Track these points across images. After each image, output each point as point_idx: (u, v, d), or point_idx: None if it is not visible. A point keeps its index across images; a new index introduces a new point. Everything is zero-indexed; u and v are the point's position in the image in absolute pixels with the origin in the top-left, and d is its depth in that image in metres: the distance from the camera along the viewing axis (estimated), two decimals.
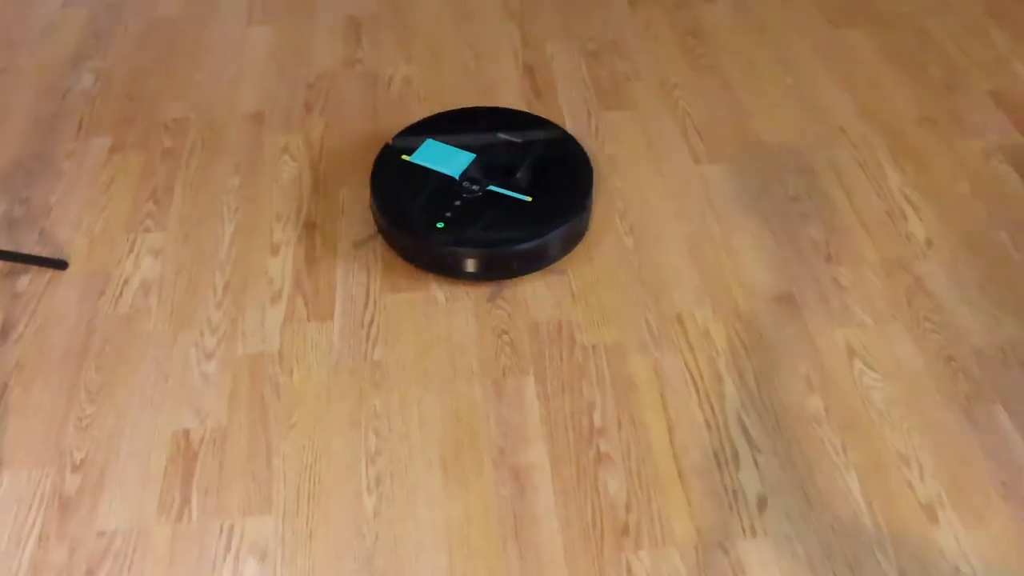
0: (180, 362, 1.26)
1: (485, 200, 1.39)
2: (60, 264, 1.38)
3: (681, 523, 1.08)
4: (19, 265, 1.38)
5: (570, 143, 1.48)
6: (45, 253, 1.39)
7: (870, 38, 1.79)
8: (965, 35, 1.79)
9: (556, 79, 1.71)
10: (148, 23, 1.87)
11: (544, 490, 1.11)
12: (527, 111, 1.57)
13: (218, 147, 1.58)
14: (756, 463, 1.13)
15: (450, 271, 1.35)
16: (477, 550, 1.06)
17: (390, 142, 1.48)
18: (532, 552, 1.06)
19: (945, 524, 1.07)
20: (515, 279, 1.35)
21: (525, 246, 1.33)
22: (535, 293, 1.34)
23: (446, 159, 1.44)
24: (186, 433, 1.18)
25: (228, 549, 1.07)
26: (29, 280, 1.37)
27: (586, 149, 1.48)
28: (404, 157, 1.46)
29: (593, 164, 1.49)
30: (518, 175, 1.40)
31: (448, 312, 1.32)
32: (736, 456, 1.14)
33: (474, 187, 1.40)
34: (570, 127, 1.61)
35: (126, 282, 1.37)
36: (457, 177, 1.42)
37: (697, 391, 1.21)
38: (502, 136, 1.46)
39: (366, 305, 1.33)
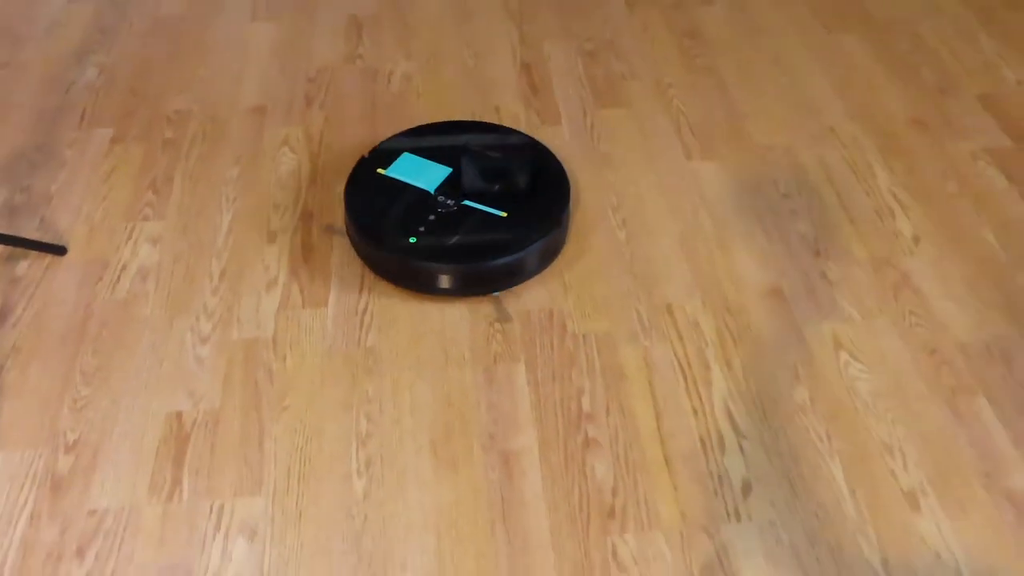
0: (175, 346, 1.27)
1: (460, 215, 1.37)
2: (59, 250, 1.40)
3: (667, 507, 1.09)
4: (18, 250, 1.40)
5: (549, 158, 1.47)
6: (45, 239, 1.41)
7: (863, 42, 1.82)
8: (956, 40, 1.82)
9: (553, 77, 1.74)
10: (153, 20, 1.90)
11: (532, 474, 1.12)
12: (507, 125, 1.54)
13: (219, 139, 1.61)
14: (742, 450, 1.15)
15: (422, 287, 1.33)
16: (465, 533, 1.07)
17: (365, 155, 1.46)
18: (520, 535, 1.07)
19: (927, 512, 1.09)
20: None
21: (498, 262, 1.30)
22: (526, 282, 1.36)
23: (422, 173, 1.43)
24: (179, 415, 1.19)
25: (218, 528, 1.08)
26: (28, 265, 1.38)
27: (582, 147, 1.50)
28: (379, 171, 1.44)
29: (585, 161, 1.51)
30: (494, 190, 1.38)
31: (441, 300, 1.34)
32: (722, 443, 1.15)
33: (449, 202, 1.38)
34: (566, 124, 1.63)
35: (124, 268, 1.38)
36: (432, 191, 1.40)
37: (685, 379, 1.22)
38: (480, 150, 1.43)
39: (360, 292, 1.35)
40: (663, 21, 1.88)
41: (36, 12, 1.91)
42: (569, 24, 1.88)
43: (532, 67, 1.77)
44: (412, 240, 1.33)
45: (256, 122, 1.64)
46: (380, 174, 1.43)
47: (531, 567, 1.04)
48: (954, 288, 1.34)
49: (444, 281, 1.31)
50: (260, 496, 1.10)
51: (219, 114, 1.66)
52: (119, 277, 1.37)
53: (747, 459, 1.14)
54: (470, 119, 1.61)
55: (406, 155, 1.46)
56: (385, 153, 1.48)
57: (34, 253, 1.39)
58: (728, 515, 1.08)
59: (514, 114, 1.65)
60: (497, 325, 1.24)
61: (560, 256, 1.39)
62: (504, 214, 1.36)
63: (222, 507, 1.09)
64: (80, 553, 1.05)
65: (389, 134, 1.61)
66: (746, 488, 1.11)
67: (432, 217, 1.36)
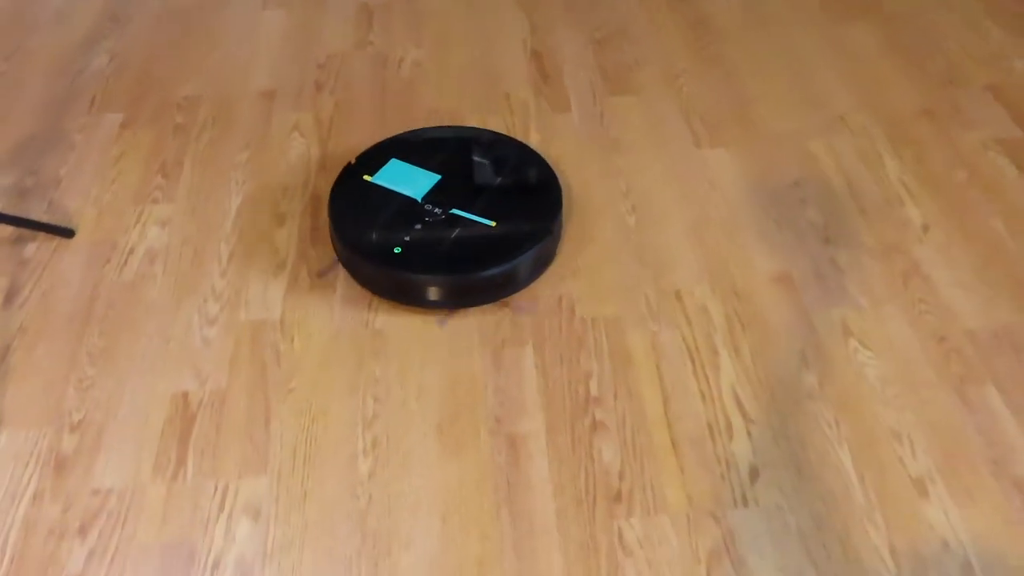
0: (183, 328, 1.27)
1: (447, 224, 1.32)
2: (67, 232, 1.40)
3: (673, 491, 1.08)
4: (27, 232, 1.40)
5: (540, 166, 1.43)
6: (53, 222, 1.42)
7: (871, 32, 1.81)
8: (965, 31, 1.81)
9: (563, 65, 1.74)
10: (163, 7, 1.90)
11: (539, 458, 1.12)
12: (500, 132, 1.50)
13: (229, 124, 1.61)
14: (749, 435, 1.14)
15: (406, 298, 1.29)
16: (470, 515, 1.07)
17: (351, 162, 1.42)
18: (525, 518, 1.06)
19: (935, 499, 1.08)
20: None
21: (484, 274, 1.26)
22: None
23: (409, 180, 1.38)
24: (185, 395, 1.19)
25: (222, 508, 1.08)
26: (36, 247, 1.39)
27: (592, 133, 1.49)
28: (366, 177, 1.39)
29: (595, 147, 1.51)
30: (483, 198, 1.34)
31: None
32: (730, 428, 1.15)
33: (436, 210, 1.33)
34: (576, 111, 1.63)
35: (132, 251, 1.39)
36: (420, 199, 1.35)
37: (693, 364, 1.22)
38: (470, 157, 1.38)
39: None
40: (672, 10, 1.87)
41: None
42: (579, 13, 1.87)
43: (542, 55, 1.76)
44: (397, 250, 1.28)
45: (266, 107, 1.64)
46: (366, 181, 1.39)
47: (536, 550, 1.03)
48: (963, 276, 1.33)
49: (429, 293, 1.27)
50: (265, 476, 1.10)
51: (229, 99, 1.66)
52: (127, 259, 1.37)
53: (755, 444, 1.13)
54: (475, 112, 1.61)
55: (393, 161, 1.41)
56: (372, 159, 1.43)
57: (42, 235, 1.40)
58: (735, 500, 1.07)
59: (524, 101, 1.65)
60: (443, 322, 1.23)
61: (569, 239, 1.39)
62: (493, 223, 1.32)
63: (227, 487, 1.09)
64: (83, 532, 1.05)
65: (399, 120, 1.61)
66: (753, 473, 1.10)
67: (419, 226, 1.32)
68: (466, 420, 1.16)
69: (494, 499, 1.08)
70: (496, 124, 1.60)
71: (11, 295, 1.32)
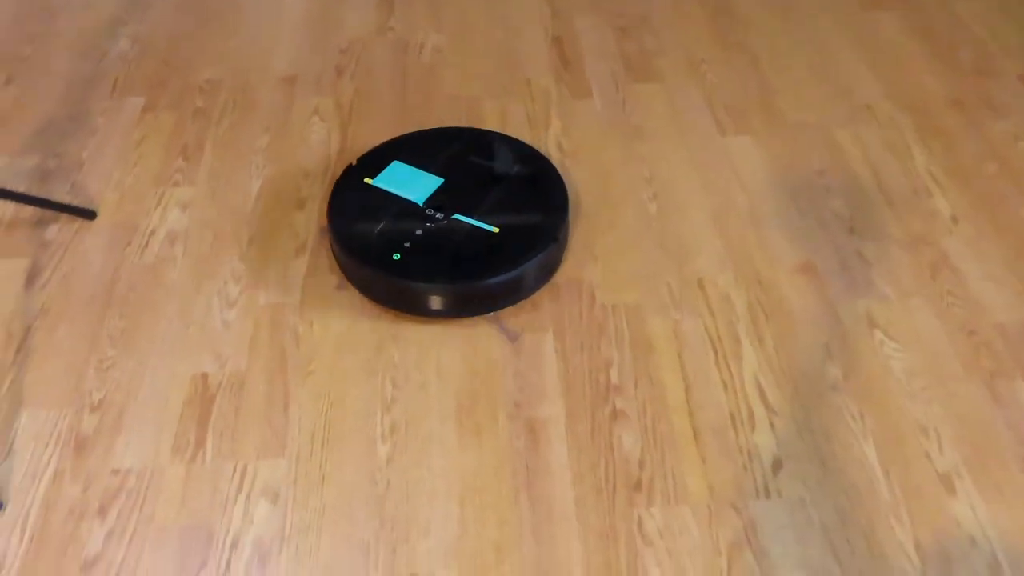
0: (202, 310, 1.27)
1: (449, 229, 1.28)
2: (89, 214, 1.41)
3: (694, 481, 1.07)
4: (49, 214, 1.41)
5: (547, 170, 1.38)
6: (75, 204, 1.42)
7: (900, 20, 1.78)
8: (995, 19, 1.77)
9: (584, 52, 1.72)
10: None
11: (558, 444, 1.11)
12: (507, 134, 1.45)
13: (249, 108, 1.61)
14: (772, 426, 1.12)
15: (405, 306, 1.25)
16: (489, 500, 1.06)
17: (353, 163, 1.38)
18: (544, 504, 1.05)
19: (963, 495, 1.05)
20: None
21: (484, 283, 1.21)
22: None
23: (411, 183, 1.34)
24: (204, 377, 1.19)
25: (240, 490, 1.07)
26: (58, 229, 1.39)
27: (614, 120, 1.48)
28: (367, 180, 1.35)
29: (617, 134, 1.49)
30: (487, 203, 1.29)
31: None
32: (752, 418, 1.13)
33: (438, 215, 1.29)
34: (597, 97, 1.61)
35: (153, 233, 1.39)
36: (421, 203, 1.31)
37: (716, 353, 1.20)
38: (475, 160, 1.36)
39: None
40: None
41: None
42: (601, 0, 1.86)
43: (563, 41, 1.75)
44: (396, 257, 1.24)
45: (287, 92, 1.64)
46: (367, 184, 1.35)
47: (555, 537, 1.02)
48: (993, 269, 1.31)
49: (427, 301, 1.22)
50: (283, 459, 1.10)
51: (250, 83, 1.66)
52: (148, 242, 1.37)
53: (778, 436, 1.11)
54: (496, 98, 1.60)
55: (396, 163, 1.37)
56: (374, 161, 1.39)
57: (64, 217, 1.40)
58: (757, 491, 1.06)
59: (544, 87, 1.63)
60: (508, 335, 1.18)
61: (591, 228, 1.38)
62: (496, 229, 1.27)
63: (245, 469, 1.09)
64: (102, 512, 1.05)
65: (419, 106, 1.60)
66: (776, 465, 1.08)
67: (419, 232, 1.27)
68: (485, 405, 1.15)
69: (512, 485, 1.07)
70: (516, 110, 1.59)
71: (33, 276, 1.32)
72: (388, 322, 1.25)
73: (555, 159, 1.49)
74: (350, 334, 1.23)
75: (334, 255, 1.32)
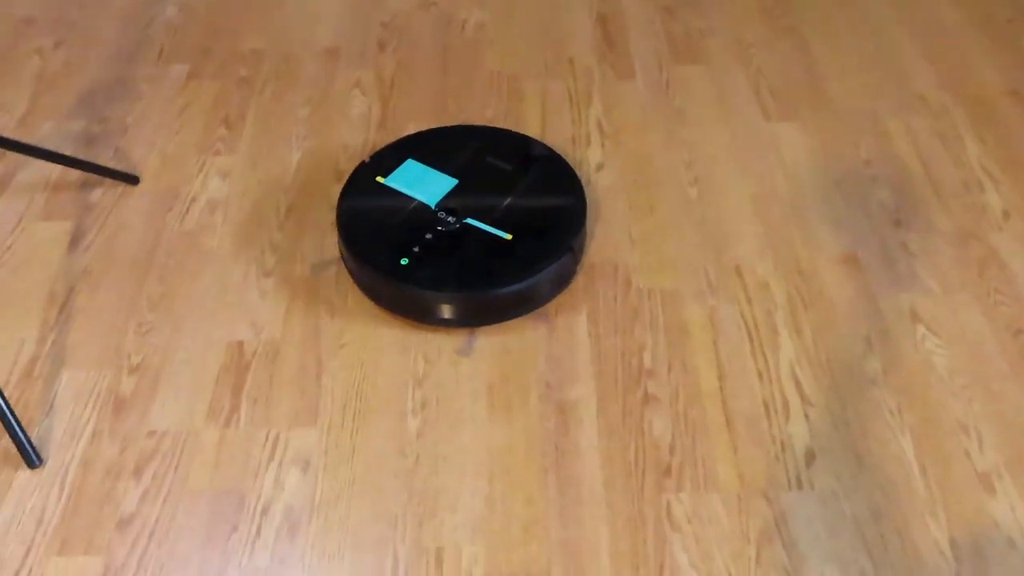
0: (239, 278, 1.29)
1: (460, 234, 1.23)
2: (132, 179, 1.43)
3: (725, 469, 1.06)
4: (93, 178, 1.43)
5: (568, 176, 1.32)
6: (119, 168, 1.44)
7: (958, 7, 1.72)
8: None
9: (629, 31, 1.69)
10: None
11: (588, 426, 1.10)
12: (528, 135, 1.40)
13: (292, 79, 1.61)
14: (807, 417, 1.11)
15: (410, 313, 1.21)
16: (517, 479, 1.06)
17: (366, 160, 1.33)
18: (572, 485, 1.05)
19: (1002, 496, 1.03)
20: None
21: (492, 293, 1.17)
22: (592, 234, 1.33)
23: (424, 184, 1.29)
24: (240, 345, 1.20)
25: (272, 457, 1.09)
26: (102, 193, 1.41)
27: (656, 102, 1.45)
28: (379, 179, 1.31)
29: (659, 117, 1.46)
30: (502, 208, 1.24)
31: None
32: (787, 409, 1.11)
33: (450, 219, 1.24)
34: (640, 78, 1.59)
35: (193, 200, 1.40)
36: (433, 206, 1.26)
37: (751, 342, 1.18)
38: (492, 162, 1.31)
39: None
40: None
41: None
42: None
43: (608, 20, 1.72)
44: (404, 262, 1.19)
45: (329, 64, 1.64)
46: (379, 183, 1.30)
47: (582, 518, 1.02)
48: None
49: (433, 310, 1.18)
50: (315, 429, 1.11)
51: (293, 55, 1.66)
52: (188, 208, 1.39)
53: (812, 427, 1.10)
54: (537, 77, 1.58)
55: (410, 162, 1.32)
56: (388, 158, 1.35)
57: (108, 181, 1.42)
58: (789, 482, 1.04)
59: (587, 66, 1.61)
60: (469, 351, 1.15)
61: (629, 210, 1.36)
62: (509, 236, 1.22)
63: (277, 437, 1.10)
64: (138, 472, 1.07)
65: (459, 83, 1.59)
66: (809, 456, 1.07)
67: (429, 236, 1.23)
68: (516, 383, 1.15)
69: (541, 464, 1.07)
70: (557, 89, 1.57)
71: (77, 238, 1.35)
72: None
73: (594, 140, 1.48)
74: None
75: (341, 258, 1.29)
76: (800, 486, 1.04)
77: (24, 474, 1.07)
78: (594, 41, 1.68)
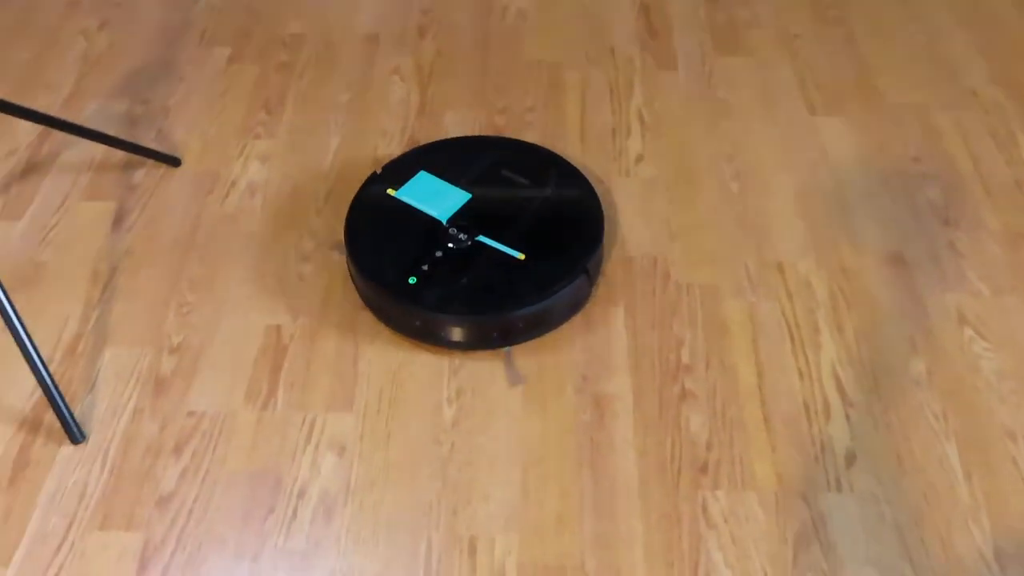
0: (278, 262, 1.29)
1: (471, 253, 1.18)
2: (174, 161, 1.44)
3: (763, 468, 1.04)
4: (135, 159, 1.44)
5: (586, 193, 1.27)
6: (161, 150, 1.45)
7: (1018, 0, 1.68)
8: None
9: (672, 21, 1.67)
10: None
11: (624, 420, 1.10)
12: (547, 148, 1.35)
13: (331, 64, 1.61)
14: (848, 418, 1.09)
15: (417, 334, 1.17)
16: (551, 471, 1.06)
17: (378, 171, 1.29)
18: (607, 479, 1.05)
19: None
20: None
21: (501, 317, 1.13)
22: (631, 227, 1.32)
23: (437, 197, 1.24)
24: (278, 328, 1.21)
25: (309, 440, 1.10)
26: (144, 174, 1.43)
27: (698, 94, 1.43)
28: (390, 191, 1.26)
29: (700, 109, 1.44)
30: (516, 225, 1.19)
31: None
32: (827, 409, 1.10)
33: (461, 235, 1.19)
34: (682, 70, 1.57)
35: (234, 183, 1.41)
36: (444, 221, 1.22)
37: (792, 340, 1.17)
38: (507, 175, 1.26)
39: None
40: None
41: None
42: None
43: (651, 9, 1.69)
44: (412, 280, 1.15)
45: (368, 50, 1.64)
46: (390, 195, 1.26)
47: (616, 512, 1.02)
48: None
49: (440, 331, 1.14)
50: (351, 414, 1.12)
51: (333, 40, 1.66)
52: (228, 191, 1.40)
53: (853, 429, 1.08)
54: (578, 66, 1.56)
55: (422, 174, 1.27)
56: (400, 170, 1.30)
57: (150, 162, 1.44)
58: (828, 484, 1.03)
59: (629, 56, 1.59)
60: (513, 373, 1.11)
61: (668, 204, 1.34)
62: (522, 256, 1.18)
63: (314, 420, 1.11)
64: (177, 451, 1.09)
65: (499, 70, 1.58)
66: (850, 458, 1.05)
67: (439, 253, 1.18)
68: (552, 375, 1.15)
69: (576, 457, 1.07)
70: (599, 78, 1.55)
71: (119, 218, 1.36)
72: None
73: (634, 131, 1.46)
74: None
75: (349, 274, 1.25)
76: (840, 488, 1.03)
77: (67, 449, 1.09)
78: (636, 31, 1.66)
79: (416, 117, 1.51)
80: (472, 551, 0.99)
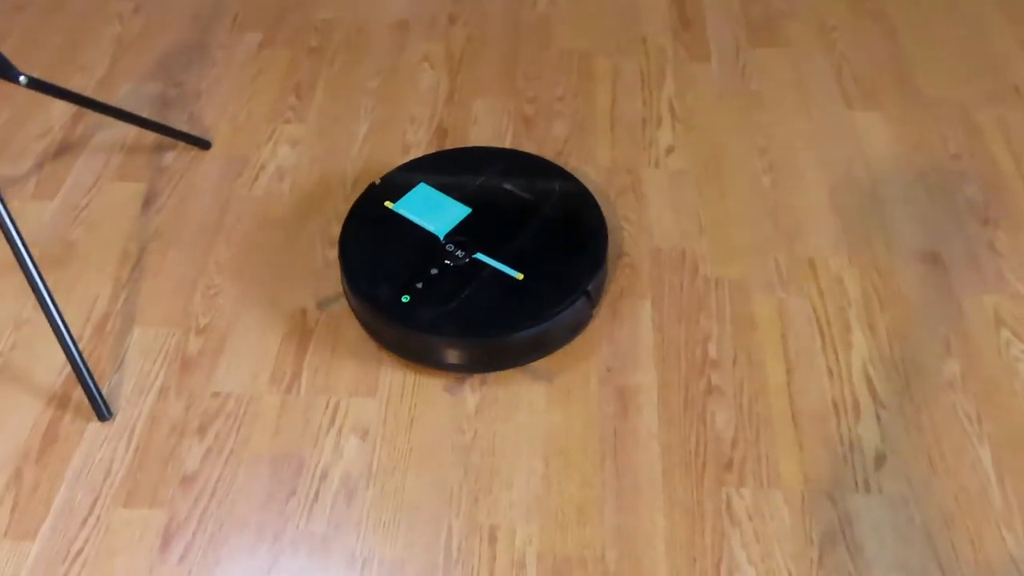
0: (305, 246, 1.29)
1: (468, 271, 1.14)
2: (204, 144, 1.45)
3: (789, 466, 1.03)
4: (166, 141, 1.45)
5: (590, 209, 1.22)
6: (192, 133, 1.46)
7: None
8: None
9: (706, 11, 1.64)
10: None
11: (648, 413, 1.09)
12: (556, 163, 1.29)
13: (362, 50, 1.61)
14: (878, 418, 1.07)
15: (409, 354, 1.14)
16: (574, 461, 1.05)
17: (376, 182, 1.25)
18: (630, 472, 1.04)
19: None
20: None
21: (496, 340, 1.09)
22: (660, 219, 1.30)
23: (435, 211, 1.20)
24: (303, 312, 1.21)
25: (332, 424, 1.10)
26: (175, 156, 1.44)
27: (731, 86, 1.40)
28: (387, 203, 1.22)
29: (733, 101, 1.42)
30: (516, 243, 1.15)
31: None
32: (857, 409, 1.08)
33: (459, 252, 1.15)
34: (715, 61, 1.54)
35: (263, 167, 1.42)
36: (442, 237, 1.18)
37: (822, 337, 1.15)
38: (509, 189, 1.21)
39: None
40: None
41: None
42: None
43: None
44: (404, 299, 1.11)
45: (399, 36, 1.63)
46: (387, 208, 1.21)
47: (638, 505, 1.01)
48: None
49: (432, 352, 1.11)
50: (374, 399, 1.12)
51: (364, 26, 1.66)
52: (257, 175, 1.40)
53: (883, 429, 1.06)
54: (608, 55, 1.55)
55: (422, 186, 1.23)
56: (399, 181, 1.26)
57: (181, 145, 1.44)
58: (856, 484, 1.01)
59: (661, 46, 1.57)
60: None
61: (697, 200, 1.32)
62: (520, 276, 1.13)
63: (337, 404, 1.11)
64: (201, 431, 1.09)
65: (529, 59, 1.57)
66: (879, 459, 1.03)
67: (435, 271, 1.14)
68: (576, 366, 1.14)
69: (599, 448, 1.06)
70: (629, 68, 1.54)
71: (149, 200, 1.38)
72: None
73: (665, 122, 1.44)
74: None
75: (343, 290, 1.21)
76: (868, 489, 1.01)
77: (94, 426, 1.10)
78: (669, 20, 1.64)
79: (445, 104, 1.50)
80: (492, 539, 0.99)
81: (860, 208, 1.30)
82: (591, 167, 1.39)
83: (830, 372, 1.11)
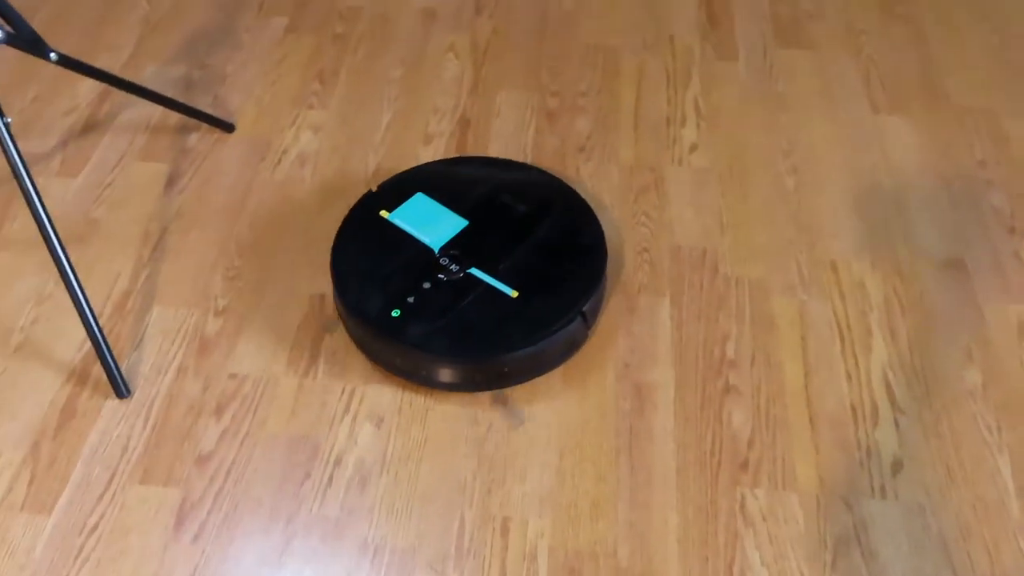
0: (324, 232, 1.29)
1: (461, 286, 1.10)
2: (228, 126, 1.45)
3: (805, 469, 1.02)
4: (190, 123, 1.46)
5: (591, 225, 1.19)
6: (216, 115, 1.46)
7: None
8: None
9: (735, 11, 1.63)
10: None
11: (665, 411, 1.08)
12: (560, 177, 1.26)
13: (387, 38, 1.61)
14: (897, 424, 1.06)
15: (397, 371, 1.11)
16: (589, 456, 1.05)
17: (373, 189, 1.23)
18: (644, 468, 1.03)
19: None
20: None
21: (486, 361, 1.06)
22: (681, 217, 1.30)
23: (431, 223, 1.17)
24: (321, 297, 1.22)
25: (347, 410, 1.10)
26: (198, 138, 1.44)
27: (757, 86, 1.39)
28: (383, 213, 1.18)
29: (759, 101, 1.41)
30: (512, 258, 1.11)
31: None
32: (876, 414, 1.07)
33: (453, 266, 1.11)
34: (742, 61, 1.53)
35: (285, 152, 1.42)
36: (437, 250, 1.14)
37: (842, 341, 1.14)
38: (508, 203, 1.18)
39: None
40: None
41: None
42: None
43: None
44: (395, 313, 1.08)
45: (424, 25, 1.63)
46: (382, 217, 1.18)
47: (651, 502, 1.00)
48: None
49: (421, 369, 1.08)
50: (390, 387, 1.12)
51: (389, 14, 1.66)
52: (280, 159, 1.40)
53: (901, 436, 1.05)
54: (635, 53, 1.54)
55: (419, 196, 1.20)
56: (397, 190, 1.23)
57: (205, 127, 1.45)
58: (873, 490, 1.00)
59: (688, 45, 1.56)
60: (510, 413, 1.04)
61: (721, 197, 1.31)
62: (515, 293, 1.10)
63: (353, 391, 1.11)
64: (218, 412, 1.10)
65: (555, 53, 1.56)
66: (896, 466, 1.02)
67: (427, 285, 1.11)
68: (594, 361, 1.13)
69: (615, 444, 1.05)
70: (655, 66, 1.53)
71: (172, 180, 1.38)
72: None
73: (689, 120, 1.43)
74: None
75: (334, 302, 1.19)
76: (884, 495, 1.00)
77: (112, 403, 1.11)
78: (697, 19, 1.63)
79: (468, 95, 1.50)
80: (504, 531, 0.99)
81: (884, 213, 1.29)
82: (614, 164, 1.38)
83: (849, 376, 1.11)
